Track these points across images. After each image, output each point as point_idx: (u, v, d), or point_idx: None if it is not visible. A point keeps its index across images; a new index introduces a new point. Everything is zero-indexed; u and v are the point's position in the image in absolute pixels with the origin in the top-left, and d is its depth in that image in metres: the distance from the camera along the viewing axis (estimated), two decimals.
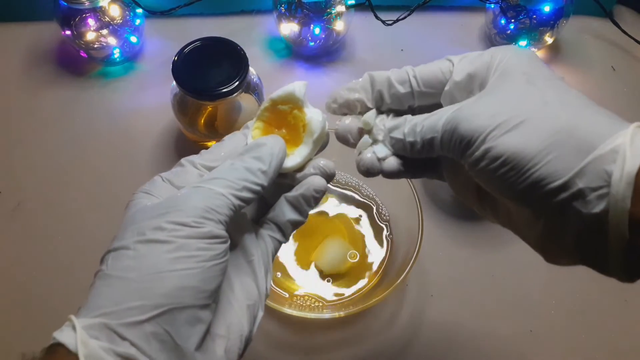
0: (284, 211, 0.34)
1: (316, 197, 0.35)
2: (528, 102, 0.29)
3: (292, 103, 0.35)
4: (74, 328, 0.26)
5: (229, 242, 0.30)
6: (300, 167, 0.35)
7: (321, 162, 0.35)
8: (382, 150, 0.35)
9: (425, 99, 0.35)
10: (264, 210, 0.36)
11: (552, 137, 0.27)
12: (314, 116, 0.35)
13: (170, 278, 0.27)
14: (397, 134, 0.34)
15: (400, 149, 0.34)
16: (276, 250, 0.35)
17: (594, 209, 0.26)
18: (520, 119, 0.28)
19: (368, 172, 0.35)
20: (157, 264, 0.27)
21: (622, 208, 0.25)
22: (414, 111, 0.35)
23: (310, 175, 0.35)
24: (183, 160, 0.34)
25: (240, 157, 0.32)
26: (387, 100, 0.35)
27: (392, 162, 0.34)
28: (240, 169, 0.31)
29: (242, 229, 0.34)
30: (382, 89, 0.35)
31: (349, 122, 0.36)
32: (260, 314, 0.33)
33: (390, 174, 0.35)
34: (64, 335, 0.26)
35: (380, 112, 0.36)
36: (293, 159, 0.35)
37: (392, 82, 0.34)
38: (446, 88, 0.33)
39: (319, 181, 0.34)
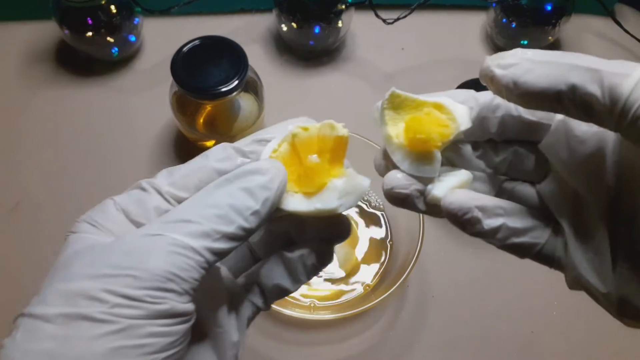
0: (274, 273, 0.27)
1: (320, 268, 0.27)
2: None
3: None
4: None
5: (194, 318, 0.23)
6: (306, 215, 0.27)
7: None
8: (443, 185, 0.26)
9: (525, 130, 0.26)
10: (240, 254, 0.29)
11: None
12: (360, 179, 0.27)
13: None
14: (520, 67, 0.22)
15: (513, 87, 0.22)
16: (253, 317, 0.27)
17: None
18: None
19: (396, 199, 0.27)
20: (84, 356, 0.20)
21: None
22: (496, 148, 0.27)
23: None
24: (144, 183, 0.26)
25: (225, 184, 0.24)
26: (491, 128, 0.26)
27: (459, 193, 0.25)
28: (223, 206, 0.23)
29: (209, 285, 0.25)
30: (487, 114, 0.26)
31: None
32: None
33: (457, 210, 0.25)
34: None
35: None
36: (309, 203, 0.26)
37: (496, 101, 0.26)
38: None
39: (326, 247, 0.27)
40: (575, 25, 0.69)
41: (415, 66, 0.69)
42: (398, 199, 0.27)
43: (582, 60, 0.21)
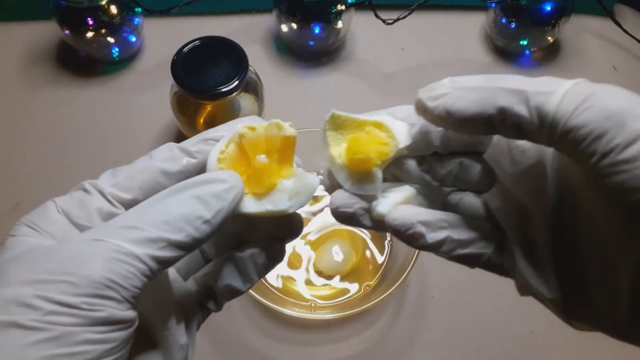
0: (225, 273, 0.26)
1: (271, 266, 0.27)
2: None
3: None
4: None
5: (136, 324, 0.22)
6: (257, 216, 0.26)
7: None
8: (387, 201, 0.27)
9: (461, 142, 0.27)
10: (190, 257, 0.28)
11: None
12: (310, 178, 0.27)
13: None
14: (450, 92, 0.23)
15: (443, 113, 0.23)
16: (204, 319, 0.27)
17: None
18: None
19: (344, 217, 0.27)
20: None
21: None
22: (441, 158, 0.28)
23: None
24: (87, 184, 0.26)
25: (178, 192, 0.23)
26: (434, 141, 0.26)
27: (404, 209, 0.26)
28: (173, 213, 0.22)
29: (156, 289, 0.25)
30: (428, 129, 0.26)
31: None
32: None
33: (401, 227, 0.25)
34: None
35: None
36: (259, 204, 0.26)
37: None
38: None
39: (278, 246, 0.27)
40: (574, 25, 0.69)
41: (415, 66, 0.69)
42: (344, 217, 0.27)
43: (508, 82, 0.21)
